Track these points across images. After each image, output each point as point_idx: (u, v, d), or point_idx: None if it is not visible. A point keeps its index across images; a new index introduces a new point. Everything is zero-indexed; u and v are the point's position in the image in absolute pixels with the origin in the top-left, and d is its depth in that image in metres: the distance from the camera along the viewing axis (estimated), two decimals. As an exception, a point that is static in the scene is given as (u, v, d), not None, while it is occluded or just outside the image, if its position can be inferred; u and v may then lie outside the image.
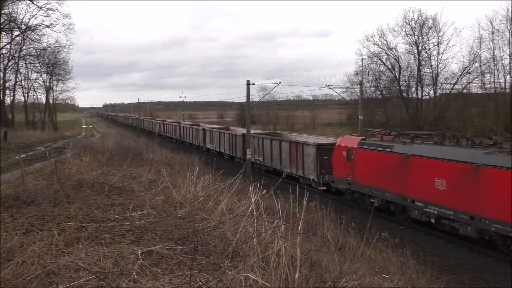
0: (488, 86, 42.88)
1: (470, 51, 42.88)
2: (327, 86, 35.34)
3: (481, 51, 41.76)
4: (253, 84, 27.85)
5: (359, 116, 35.54)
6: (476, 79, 43.27)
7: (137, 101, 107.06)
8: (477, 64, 42.44)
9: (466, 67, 43.01)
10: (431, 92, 47.13)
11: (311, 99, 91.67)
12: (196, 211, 6.94)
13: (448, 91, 45.57)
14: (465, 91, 44.48)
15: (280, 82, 28.81)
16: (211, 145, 39.35)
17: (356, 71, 44.34)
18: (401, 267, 8.87)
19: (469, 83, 43.82)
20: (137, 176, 10.89)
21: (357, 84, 44.91)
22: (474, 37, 52.17)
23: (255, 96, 69.59)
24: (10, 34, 43.77)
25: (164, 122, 64.35)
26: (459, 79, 43.96)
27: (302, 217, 5.31)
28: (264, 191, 7.05)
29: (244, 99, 28.90)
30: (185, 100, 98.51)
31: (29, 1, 41.84)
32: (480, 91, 44.01)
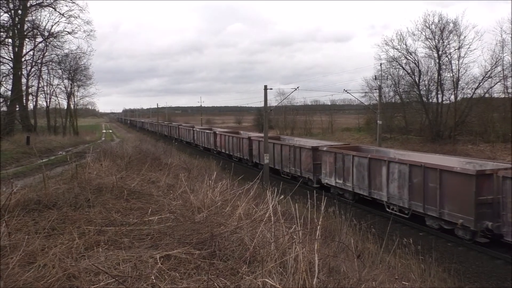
0: (510, 90, 42.12)
1: (492, 54, 42.27)
2: (345, 91, 35.20)
3: (504, 55, 41.11)
4: (271, 89, 27.51)
5: (378, 121, 35.27)
6: (499, 83, 42.57)
7: (156, 106, 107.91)
8: (499, 68, 41.79)
9: (488, 71, 42.35)
10: (452, 96, 46.46)
11: (329, 103, 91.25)
12: (213, 215, 6.95)
13: (469, 95, 44.85)
14: (487, 95, 43.74)
15: (298, 87, 28.70)
16: (338, 180, 21.69)
17: (375, 75, 44.04)
18: (422, 274, 8.73)
19: (491, 87, 43.11)
20: (156, 181, 10.97)
21: (375, 89, 44.61)
22: (496, 41, 51.48)
23: (272, 101, 69.75)
24: (33, 41, 44.89)
25: (216, 132, 44.75)
26: (481, 84, 43.27)
27: (320, 222, 5.28)
28: (282, 196, 7.03)
29: (261, 104, 28.88)
30: (202, 105, 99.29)
31: (51, 8, 42.92)
32: (502, 96, 43.25)
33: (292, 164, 26.25)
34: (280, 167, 28.04)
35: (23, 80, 45.85)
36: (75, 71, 54.74)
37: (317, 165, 23.54)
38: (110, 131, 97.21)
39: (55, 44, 45.59)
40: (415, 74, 48.15)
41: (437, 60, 46.01)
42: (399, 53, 48.28)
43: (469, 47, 43.86)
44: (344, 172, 21.05)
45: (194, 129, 53.13)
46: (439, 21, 45.40)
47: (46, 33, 44.46)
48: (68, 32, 44.54)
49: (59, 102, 58.50)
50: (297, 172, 25.75)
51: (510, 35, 39.81)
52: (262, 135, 34.01)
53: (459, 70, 44.84)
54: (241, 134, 38.90)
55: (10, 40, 41.32)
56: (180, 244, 5.43)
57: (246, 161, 34.45)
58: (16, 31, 41.65)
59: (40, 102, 54.04)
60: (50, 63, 48.83)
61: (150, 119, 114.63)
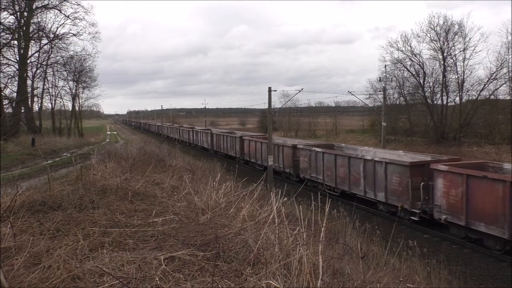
0: (516, 92, 41.87)
1: (498, 56, 42.07)
2: (350, 93, 35.02)
3: (509, 57, 40.89)
4: (275, 90, 27.69)
5: (382, 123, 35.15)
6: (504, 85, 42.36)
7: (160, 108, 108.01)
8: (504, 70, 41.56)
9: (493, 73, 42.17)
10: (457, 98, 46.28)
11: (333, 105, 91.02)
12: (217, 217, 6.95)
13: (474, 97, 44.66)
14: (492, 97, 43.54)
15: (302, 89, 28.56)
16: (312, 174, 23.88)
17: (379, 77, 44.00)
18: (427, 277, 8.69)
19: (496, 89, 42.94)
20: (160, 182, 10.98)
21: (380, 91, 44.55)
22: (502, 43, 51.20)
23: (276, 103, 69.76)
24: (39, 43, 45.11)
25: (212, 132, 43.99)
26: (486, 85, 43.09)
27: (324, 224, 5.26)
28: (286, 198, 7.02)
29: (265, 106, 28.93)
30: (207, 107, 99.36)
31: (57, 10, 43.14)
32: (507, 97, 43.04)
33: (276, 160, 28.85)
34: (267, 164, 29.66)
35: (29, 82, 46.12)
36: (80, 73, 55.03)
37: (297, 161, 26.17)
38: (115, 132, 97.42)
39: (60, 46, 45.85)
40: (420, 75, 48.02)
41: (442, 62, 45.88)
42: (404, 55, 48.19)
43: (474, 49, 43.72)
44: (316, 166, 23.38)
45: (193, 129, 53.89)
46: (444, 23, 45.31)
47: (52, 35, 44.72)
48: (73, 34, 44.86)
49: (64, 104, 58.92)
50: (280, 168, 28.42)
51: (511, 35, 39.65)
52: (253, 134, 38.62)
53: (464, 71, 44.71)
54: (234, 134, 40.70)
55: (15, 42, 41.60)
56: (184, 246, 5.43)
57: (238, 159, 36.32)
58: (21, 33, 41.88)
59: (45, 104, 54.44)
60: (55, 65, 49.13)
61: (153, 121, 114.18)
